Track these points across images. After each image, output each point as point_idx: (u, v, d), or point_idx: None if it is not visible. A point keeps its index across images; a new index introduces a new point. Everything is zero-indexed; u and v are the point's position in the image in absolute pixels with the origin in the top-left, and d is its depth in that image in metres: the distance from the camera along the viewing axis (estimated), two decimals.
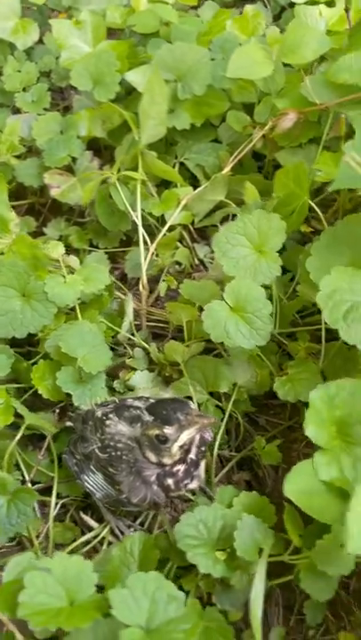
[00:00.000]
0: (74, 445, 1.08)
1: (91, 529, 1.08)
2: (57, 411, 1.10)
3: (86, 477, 1.05)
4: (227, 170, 1.42)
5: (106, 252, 1.46)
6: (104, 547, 1.05)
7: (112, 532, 1.07)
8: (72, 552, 1.05)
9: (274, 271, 1.10)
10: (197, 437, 0.93)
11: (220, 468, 1.16)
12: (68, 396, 1.14)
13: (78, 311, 1.22)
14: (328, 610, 1.02)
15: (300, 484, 0.87)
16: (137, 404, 1.00)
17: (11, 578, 0.86)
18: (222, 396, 1.20)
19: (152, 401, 0.99)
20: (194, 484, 0.99)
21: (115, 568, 0.91)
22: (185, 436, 0.92)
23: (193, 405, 0.94)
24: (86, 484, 1.05)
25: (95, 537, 1.07)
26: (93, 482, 1.04)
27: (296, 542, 0.89)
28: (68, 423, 1.13)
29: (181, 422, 0.91)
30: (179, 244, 1.43)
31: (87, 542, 1.07)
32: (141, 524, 1.09)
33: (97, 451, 1.01)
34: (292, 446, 1.21)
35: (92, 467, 1.04)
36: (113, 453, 0.98)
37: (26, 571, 0.81)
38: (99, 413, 1.04)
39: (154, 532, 1.07)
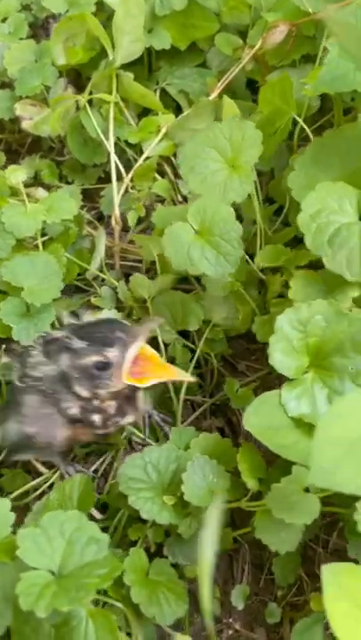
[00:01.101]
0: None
1: (40, 475, 0.98)
2: (3, 347, 0.99)
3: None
4: (214, 95, 1.28)
5: (83, 191, 1.34)
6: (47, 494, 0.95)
7: (62, 477, 0.96)
8: (19, 499, 0.95)
9: (246, 187, 0.97)
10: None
11: (189, 414, 1.04)
12: None
13: (40, 244, 1.12)
14: (303, 569, 0.90)
15: (263, 418, 0.75)
16: (62, 333, 0.89)
17: None
18: (195, 337, 1.08)
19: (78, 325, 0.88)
20: (129, 419, 0.88)
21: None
22: (132, 354, 0.80)
23: (125, 321, 0.83)
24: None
25: (45, 482, 0.96)
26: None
27: (251, 485, 0.77)
28: (5, 359, 1.01)
29: (124, 340, 0.80)
30: (159, 177, 1.30)
31: (36, 489, 0.96)
32: (95, 471, 0.98)
33: (15, 380, 0.91)
34: None
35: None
36: (30, 382, 0.88)
37: None
38: (26, 344, 0.94)
39: (109, 480, 0.96)
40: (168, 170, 1.34)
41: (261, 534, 0.76)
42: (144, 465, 0.81)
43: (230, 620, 0.87)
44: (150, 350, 0.83)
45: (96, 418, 0.85)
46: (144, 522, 0.87)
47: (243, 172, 0.98)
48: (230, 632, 0.86)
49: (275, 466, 0.80)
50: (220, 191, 0.98)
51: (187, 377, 0.84)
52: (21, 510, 0.94)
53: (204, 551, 0.71)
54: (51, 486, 0.96)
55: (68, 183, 1.36)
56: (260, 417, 0.74)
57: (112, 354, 0.80)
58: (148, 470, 0.81)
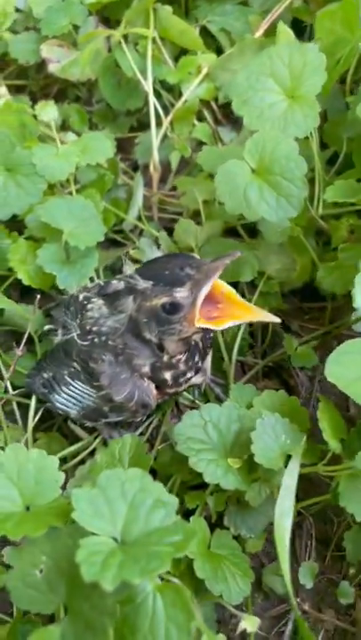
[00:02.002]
0: (46, 359, 0.88)
1: (80, 440, 0.88)
2: (37, 297, 0.89)
3: (57, 396, 0.84)
4: (259, 34, 1.17)
5: (115, 140, 1.23)
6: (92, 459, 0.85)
7: (105, 442, 0.87)
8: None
9: (310, 121, 0.86)
10: None
11: (241, 377, 0.94)
12: (60, 293, 0.95)
13: (73, 189, 1.01)
14: None
15: (348, 368, 0.64)
16: (123, 282, 0.77)
17: None
18: (246, 289, 0.97)
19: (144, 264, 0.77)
20: (198, 378, 0.78)
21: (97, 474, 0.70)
22: (204, 294, 0.69)
23: (197, 256, 0.72)
24: (57, 404, 0.84)
25: (85, 449, 0.87)
26: (66, 397, 0.83)
27: (335, 448, 0.67)
28: (47, 326, 0.93)
29: (194, 277, 0.69)
30: (198, 123, 1.19)
31: (75, 454, 0.87)
32: (141, 435, 0.88)
33: (77, 339, 0.80)
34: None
35: (65, 377, 0.83)
36: (96, 339, 0.76)
37: None
38: (80, 297, 0.84)
39: (156, 446, 0.86)
40: (207, 115, 1.23)
41: (346, 502, 0.66)
42: (203, 424, 0.72)
43: (298, 601, 0.77)
44: (227, 287, 0.72)
45: (167, 375, 0.74)
46: (201, 489, 0.77)
47: (305, 103, 0.87)
48: (298, 613, 0.76)
49: (357, 426, 0.70)
50: (279, 126, 0.87)
51: (272, 318, 0.71)
52: None
53: (282, 521, 0.62)
54: (92, 453, 0.86)
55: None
56: (343, 367, 0.64)
57: (181, 294, 0.69)
58: (208, 430, 0.72)
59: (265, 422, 0.69)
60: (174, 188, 1.16)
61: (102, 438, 0.87)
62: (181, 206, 1.12)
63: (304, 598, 0.79)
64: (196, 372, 0.76)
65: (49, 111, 1.00)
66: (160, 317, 0.71)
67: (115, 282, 0.79)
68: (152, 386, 0.74)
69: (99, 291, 0.81)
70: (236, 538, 0.73)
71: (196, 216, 1.07)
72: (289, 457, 0.68)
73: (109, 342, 0.74)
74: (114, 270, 1.06)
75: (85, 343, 0.77)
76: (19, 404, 0.92)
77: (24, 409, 0.92)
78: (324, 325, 1.00)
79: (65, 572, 0.55)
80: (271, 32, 1.19)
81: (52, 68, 1.23)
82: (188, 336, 0.72)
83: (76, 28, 1.23)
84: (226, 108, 1.25)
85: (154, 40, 1.13)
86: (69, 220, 0.89)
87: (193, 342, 0.75)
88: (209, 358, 0.79)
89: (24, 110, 1.03)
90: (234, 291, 0.72)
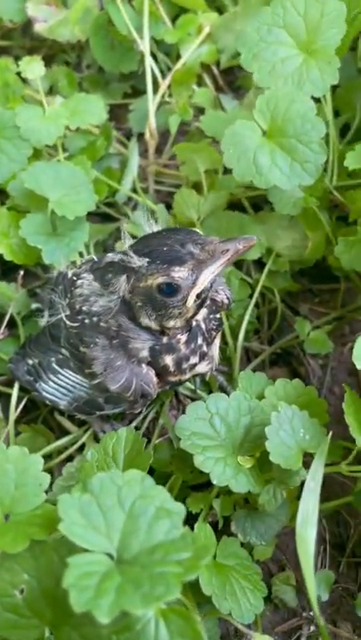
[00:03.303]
0: (30, 344, 0.79)
1: (67, 433, 0.79)
2: (21, 273, 0.80)
3: (44, 385, 0.75)
4: None
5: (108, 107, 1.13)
6: (81, 455, 0.76)
7: (95, 436, 0.78)
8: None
9: (328, 77, 0.77)
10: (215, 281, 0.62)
11: (246, 364, 0.85)
12: (45, 269, 0.86)
13: (61, 156, 0.92)
14: None
15: None
16: (120, 255, 0.67)
17: None
18: (252, 268, 0.89)
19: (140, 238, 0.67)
20: (204, 367, 0.69)
21: (88, 476, 0.61)
22: (206, 277, 0.60)
23: (200, 232, 0.63)
24: (45, 393, 0.75)
25: (73, 443, 0.78)
26: (54, 386, 0.74)
27: None
28: (34, 305, 0.83)
29: (198, 256, 0.60)
30: (197, 88, 1.09)
31: (62, 450, 0.78)
32: (136, 429, 0.79)
33: (65, 319, 0.70)
34: (344, 340, 0.90)
35: (53, 364, 0.74)
36: (87, 320, 0.67)
37: None
38: (69, 273, 0.74)
39: (153, 441, 0.77)
40: (208, 81, 1.13)
41: None
42: (209, 416, 0.63)
43: (311, 614, 0.69)
44: None
45: (168, 360, 0.65)
46: (205, 489, 0.69)
47: (322, 57, 0.78)
48: (312, 628, 0.68)
49: None
50: (293, 83, 0.78)
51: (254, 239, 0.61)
52: None
53: (305, 531, 0.53)
54: (81, 448, 0.77)
55: None
56: None
57: (180, 274, 0.60)
58: (215, 423, 0.63)
59: (281, 416, 0.60)
60: (172, 158, 1.07)
61: (93, 432, 0.78)
62: (180, 178, 1.03)
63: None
64: (202, 359, 0.67)
65: (35, 67, 0.89)
66: (155, 300, 0.62)
67: (110, 255, 0.70)
68: (152, 372, 0.65)
69: (91, 266, 0.72)
70: (242, 544, 0.65)
71: (196, 188, 0.98)
72: (307, 455, 0.60)
73: (101, 324, 0.65)
74: (105, 247, 0.96)
75: (75, 325, 0.67)
76: None
77: (5, 398, 0.83)
78: (335, 309, 0.91)
79: (50, 593, 0.46)
80: None
81: (39, 27, 1.12)
82: (190, 321, 0.63)
83: None
84: (228, 73, 1.16)
85: None
86: (57, 187, 0.80)
87: (194, 322, 0.65)
88: (217, 343, 0.69)
89: (6, 67, 0.93)
90: None
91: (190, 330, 0.65)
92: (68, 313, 0.70)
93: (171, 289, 0.61)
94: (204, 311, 0.65)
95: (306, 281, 0.94)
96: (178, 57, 1.09)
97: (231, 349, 0.82)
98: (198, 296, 0.61)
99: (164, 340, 0.64)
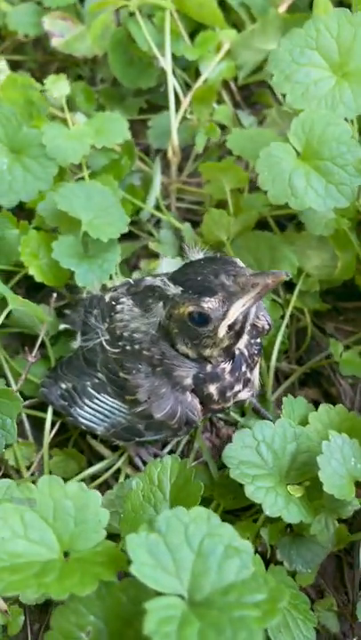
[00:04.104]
0: (62, 367, 0.78)
1: (102, 458, 0.78)
2: (54, 296, 0.79)
3: (79, 410, 0.74)
4: (283, 9, 1.08)
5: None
6: (120, 481, 0.75)
7: (131, 462, 0.77)
8: None
9: None
10: (252, 312, 0.62)
11: (275, 386, 0.85)
12: (70, 289, 0.85)
13: (86, 174, 0.91)
14: None
15: None
16: (158, 280, 0.67)
17: None
18: (281, 289, 0.88)
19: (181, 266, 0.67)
20: (246, 393, 0.68)
21: (135, 507, 0.61)
22: (237, 309, 0.60)
23: (240, 263, 0.63)
24: (81, 418, 0.74)
25: (108, 469, 0.77)
26: (91, 412, 0.73)
27: None
28: (63, 325, 0.83)
29: (228, 288, 0.59)
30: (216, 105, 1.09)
31: (96, 476, 0.77)
32: (170, 453, 0.78)
33: (105, 344, 0.69)
34: None
35: (88, 388, 0.73)
36: (128, 347, 0.66)
37: None
38: (107, 297, 0.73)
39: (189, 464, 0.76)
40: (226, 97, 1.13)
41: None
42: (256, 444, 0.63)
43: None
44: None
45: (212, 389, 0.65)
46: (246, 515, 0.68)
47: (356, 80, 0.78)
48: None
49: None
50: (326, 105, 0.78)
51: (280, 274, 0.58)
52: None
53: None
54: (116, 474, 0.76)
55: None
56: None
57: (209, 304, 0.59)
58: (262, 451, 0.62)
59: (332, 445, 0.60)
60: (192, 175, 1.07)
61: (127, 456, 0.77)
62: (201, 195, 1.03)
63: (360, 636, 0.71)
64: (245, 386, 0.66)
65: (61, 86, 0.88)
66: (189, 328, 0.61)
67: (149, 278, 0.69)
68: (196, 400, 0.64)
69: (128, 289, 0.71)
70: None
71: (219, 206, 0.97)
72: (358, 483, 0.59)
73: (144, 352, 0.65)
74: (129, 265, 0.95)
75: (116, 350, 0.67)
76: (28, 415, 0.82)
77: (35, 421, 0.82)
78: None
79: (118, 635, 0.45)
80: (295, 8, 1.11)
81: (56, 42, 1.11)
82: (227, 347, 0.63)
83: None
84: (244, 89, 1.16)
85: (170, 13, 1.03)
86: (88, 208, 0.79)
87: (237, 351, 0.65)
88: (257, 369, 0.69)
89: (30, 85, 0.92)
90: None
91: (234, 358, 0.64)
92: (107, 338, 0.69)
93: (201, 318, 0.60)
94: (245, 337, 0.64)
95: (330, 298, 0.94)
96: (197, 73, 1.09)
97: (264, 371, 0.82)
98: (231, 327, 0.61)
99: (208, 368, 0.64)
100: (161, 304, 0.63)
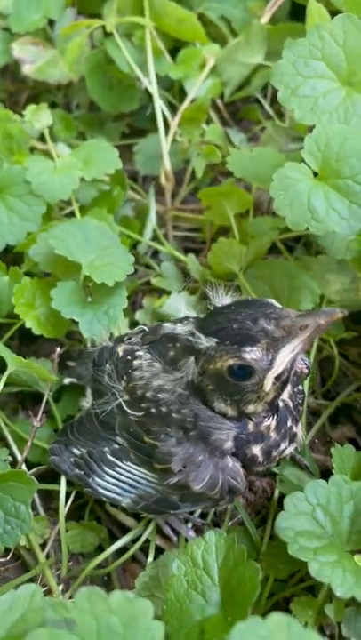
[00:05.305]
0: (73, 430, 0.69)
1: (126, 529, 0.69)
2: (57, 350, 0.70)
3: (98, 480, 0.65)
4: (265, 20, 1.03)
5: None
6: (150, 558, 0.66)
7: (159, 531, 0.68)
8: (100, 568, 0.67)
9: None
10: (299, 358, 0.54)
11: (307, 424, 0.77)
12: (71, 338, 0.77)
13: (76, 209, 0.83)
14: None
15: None
16: (180, 328, 0.59)
17: (3, 634, 0.47)
18: None
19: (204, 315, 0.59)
20: (292, 449, 0.60)
21: (179, 597, 0.52)
22: (285, 357, 0.52)
23: (277, 304, 0.55)
24: (101, 489, 0.65)
25: (134, 541, 0.68)
26: (113, 481, 0.64)
27: None
28: (68, 380, 0.74)
29: (272, 334, 0.52)
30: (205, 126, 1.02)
31: (122, 551, 0.67)
32: (202, 516, 0.69)
33: (125, 406, 0.61)
34: None
35: (108, 455, 0.64)
36: (153, 409, 0.58)
37: (29, 624, 0.42)
38: (120, 351, 0.65)
39: (224, 527, 0.68)
40: (214, 116, 1.06)
41: None
42: (311, 510, 0.54)
43: None
44: None
45: (256, 450, 0.57)
46: (302, 588, 0.60)
47: None
48: None
49: None
50: (338, 119, 0.72)
51: (337, 312, 0.53)
52: (99, 583, 0.67)
53: None
54: (144, 546, 0.67)
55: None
56: None
57: (252, 355, 0.52)
58: (318, 517, 0.55)
59: None
60: (185, 201, 0.99)
61: (155, 525, 0.68)
62: (196, 221, 0.96)
63: None
64: (291, 442, 0.59)
65: (42, 116, 0.80)
66: (229, 384, 0.54)
67: (168, 325, 0.61)
68: (238, 464, 0.56)
69: (143, 337, 0.63)
70: None
71: (219, 233, 0.90)
72: None
73: (174, 415, 0.56)
74: (131, 305, 0.87)
75: (139, 414, 0.58)
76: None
77: (44, 491, 0.73)
78: None
79: None
80: (276, 19, 1.06)
81: (27, 69, 1.04)
82: (271, 399, 0.55)
83: (51, 23, 1.05)
84: (230, 105, 1.09)
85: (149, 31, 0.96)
86: (87, 250, 0.71)
87: (281, 403, 0.57)
88: (300, 422, 0.61)
89: (8, 118, 0.84)
90: None
91: (277, 412, 0.57)
92: (126, 399, 0.60)
93: (244, 371, 0.53)
94: (288, 388, 0.57)
95: (350, 323, 0.87)
96: (181, 92, 1.02)
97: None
98: (278, 378, 0.53)
99: (250, 427, 0.56)
100: (192, 360, 0.55)
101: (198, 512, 0.69)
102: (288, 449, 0.59)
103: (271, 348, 0.52)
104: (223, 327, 0.54)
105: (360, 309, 0.82)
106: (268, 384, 0.53)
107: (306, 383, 0.74)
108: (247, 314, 0.53)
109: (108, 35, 0.98)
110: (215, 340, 0.53)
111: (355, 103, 0.72)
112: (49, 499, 0.73)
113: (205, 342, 0.54)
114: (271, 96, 1.06)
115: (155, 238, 0.91)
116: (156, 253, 0.93)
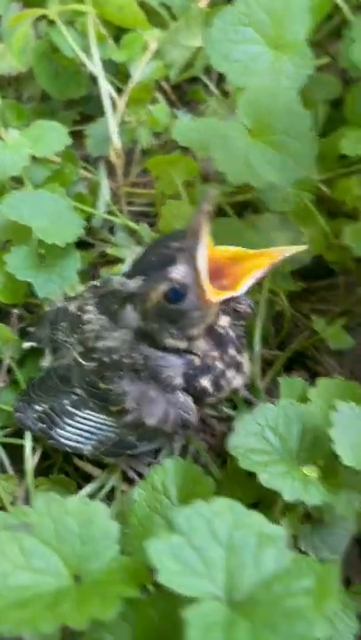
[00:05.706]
0: (34, 389, 0.71)
1: (92, 479, 0.72)
2: (15, 313, 0.72)
3: (60, 431, 0.68)
4: (203, 4, 1.07)
5: None
6: (118, 498, 0.69)
7: (125, 477, 0.71)
8: None
9: (303, 69, 0.76)
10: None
11: (261, 375, 0.81)
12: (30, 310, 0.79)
13: (29, 187, 0.86)
14: None
15: None
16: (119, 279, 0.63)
17: None
18: None
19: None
20: (239, 379, 0.64)
21: (142, 520, 0.55)
22: (203, 251, 0.55)
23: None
24: (64, 439, 0.68)
25: (101, 489, 0.70)
26: (74, 430, 0.67)
27: None
28: (28, 343, 0.77)
29: (184, 246, 0.56)
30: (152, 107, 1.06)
31: (90, 497, 0.70)
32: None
33: (80, 359, 0.64)
34: (352, 334, 0.87)
35: (67, 406, 0.67)
36: (106, 358, 0.62)
37: None
38: (72, 307, 0.68)
39: None
40: (161, 98, 1.11)
41: None
42: (261, 430, 0.58)
43: None
44: (230, 248, 0.60)
45: (205, 382, 0.60)
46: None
47: (294, 50, 0.76)
48: None
49: None
50: (268, 80, 0.76)
51: (296, 247, 0.59)
52: None
53: None
54: (110, 494, 0.70)
55: None
56: None
57: (178, 272, 0.55)
58: (268, 436, 0.58)
59: (342, 415, 0.56)
60: (139, 177, 1.03)
61: (120, 472, 0.71)
62: (150, 196, 0.99)
63: None
64: (237, 370, 0.62)
65: None
66: (171, 313, 0.57)
67: (116, 278, 0.64)
68: (189, 398, 0.60)
69: (95, 292, 0.66)
70: None
71: None
72: None
73: (124, 360, 0.60)
74: (89, 276, 0.90)
75: (92, 364, 0.62)
76: (4, 445, 0.75)
77: (12, 452, 0.75)
78: (337, 304, 0.89)
79: None
80: (214, 2, 1.10)
81: None
82: (213, 322, 0.59)
83: None
84: (177, 88, 1.14)
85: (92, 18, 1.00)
86: (40, 215, 0.74)
87: (223, 331, 0.61)
88: (245, 354, 0.65)
89: None
90: (240, 248, 0.60)
91: (222, 342, 0.60)
92: (80, 350, 0.64)
93: (178, 292, 0.56)
94: (227, 319, 0.60)
95: (297, 279, 0.91)
96: (126, 75, 1.06)
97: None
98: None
99: (197, 361, 0.59)
100: (130, 307, 0.58)
101: (161, 456, 0.72)
102: (236, 379, 0.62)
103: (191, 259, 0.55)
104: (144, 264, 0.58)
105: (306, 264, 0.87)
106: (206, 285, 0.56)
107: (258, 332, 0.78)
108: (159, 245, 0.58)
109: (51, 23, 1.01)
110: (141, 277, 0.57)
111: (282, 64, 0.76)
112: (18, 459, 0.75)
113: (133, 284, 0.58)
114: (217, 78, 1.11)
115: (110, 213, 0.95)
116: (112, 229, 0.96)
